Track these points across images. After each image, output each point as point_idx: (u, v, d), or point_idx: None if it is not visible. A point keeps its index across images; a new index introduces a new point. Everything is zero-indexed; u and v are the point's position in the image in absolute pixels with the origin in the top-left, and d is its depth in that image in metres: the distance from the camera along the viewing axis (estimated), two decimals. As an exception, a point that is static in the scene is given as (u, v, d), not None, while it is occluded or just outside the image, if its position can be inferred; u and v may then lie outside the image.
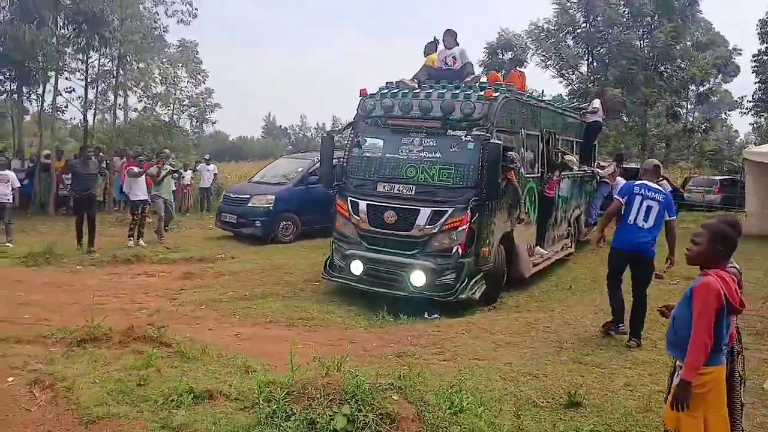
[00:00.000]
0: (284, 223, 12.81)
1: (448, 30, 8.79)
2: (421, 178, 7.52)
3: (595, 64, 20.30)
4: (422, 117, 7.63)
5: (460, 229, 7.14)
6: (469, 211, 7.12)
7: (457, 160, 7.39)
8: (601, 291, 7.03)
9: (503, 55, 20.47)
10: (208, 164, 19.05)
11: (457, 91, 7.66)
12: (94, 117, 21.78)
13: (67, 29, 18.01)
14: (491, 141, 7.08)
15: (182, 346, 5.23)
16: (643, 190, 5.85)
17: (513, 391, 4.58)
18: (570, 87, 20.00)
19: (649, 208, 5.78)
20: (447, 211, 7.19)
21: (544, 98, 10.11)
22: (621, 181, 13.66)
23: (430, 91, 7.82)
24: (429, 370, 4.78)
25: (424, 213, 7.26)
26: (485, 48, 21.03)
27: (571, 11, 19.98)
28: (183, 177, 17.69)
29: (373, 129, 8.13)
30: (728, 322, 2.87)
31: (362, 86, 8.42)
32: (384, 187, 7.70)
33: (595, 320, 6.54)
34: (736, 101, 27.19)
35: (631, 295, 5.92)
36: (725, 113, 40.68)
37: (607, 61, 19.94)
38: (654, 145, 20.84)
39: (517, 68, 10.94)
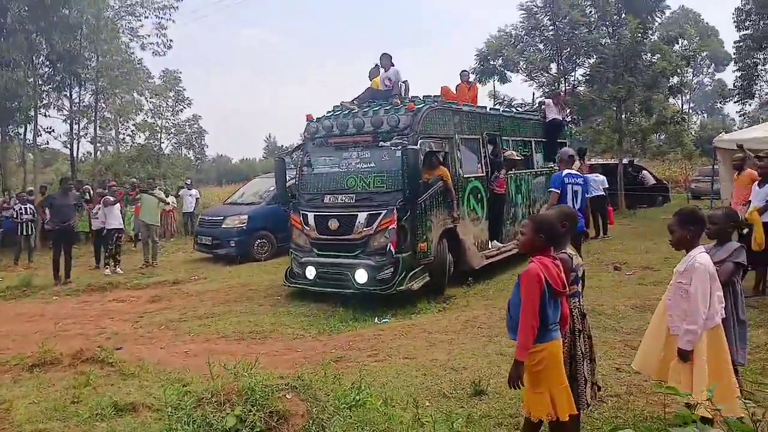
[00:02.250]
0: (259, 241, 13.13)
1: (384, 54, 9.70)
2: (360, 187, 8.35)
3: (564, 64, 20.65)
4: (357, 133, 8.49)
5: (390, 228, 7.86)
6: (396, 211, 7.86)
7: (386, 168, 8.22)
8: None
9: (495, 61, 20.98)
10: (190, 189, 19.41)
11: (387, 107, 8.52)
12: (78, 150, 22.25)
13: (44, 69, 18.57)
14: (408, 147, 7.79)
15: (122, 366, 5.52)
16: (570, 178, 6.78)
17: (428, 385, 4.83)
18: (541, 89, 20.37)
19: (575, 193, 6.73)
20: (380, 213, 7.96)
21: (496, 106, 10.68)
22: (590, 176, 14.02)
23: (366, 109, 8.75)
24: (361, 371, 5.03)
25: (362, 217, 8.06)
26: (476, 55, 21.48)
27: (537, 15, 20.40)
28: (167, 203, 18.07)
29: (318, 148, 8.98)
30: (557, 303, 3.11)
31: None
32: (329, 198, 8.55)
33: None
34: (730, 90, 27.46)
35: None
36: (720, 103, 41.04)
37: (575, 60, 20.31)
38: (631, 139, 21.10)
39: (467, 81, 11.42)
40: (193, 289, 10.12)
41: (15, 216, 14.53)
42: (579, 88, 20.59)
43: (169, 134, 27.76)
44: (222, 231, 13.15)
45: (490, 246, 9.75)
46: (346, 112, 8.95)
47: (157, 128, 25.97)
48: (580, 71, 20.95)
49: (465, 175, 9.15)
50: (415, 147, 7.85)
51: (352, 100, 9.30)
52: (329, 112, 9.29)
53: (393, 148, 8.04)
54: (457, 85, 11.12)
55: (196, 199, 19.45)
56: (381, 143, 8.23)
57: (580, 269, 3.53)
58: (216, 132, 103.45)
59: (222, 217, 13.39)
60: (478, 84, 14.31)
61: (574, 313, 3.37)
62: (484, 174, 9.70)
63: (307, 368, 5.36)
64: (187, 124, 29.65)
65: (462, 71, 11.49)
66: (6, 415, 4.55)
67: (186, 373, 5.37)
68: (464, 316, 7.15)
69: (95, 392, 4.84)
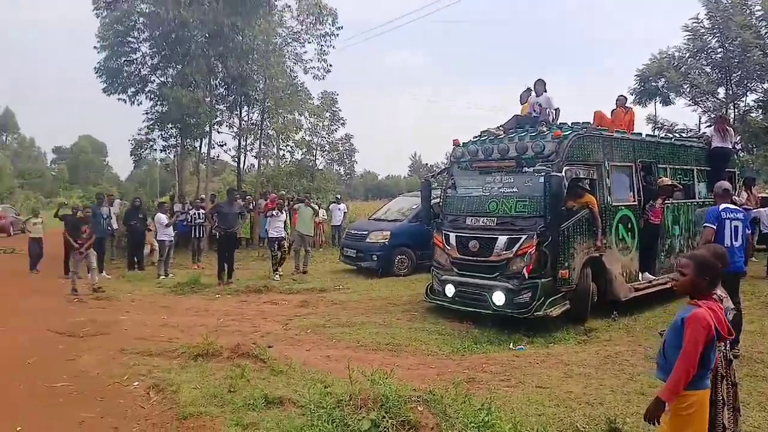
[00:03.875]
0: (400, 257, 13.53)
1: (538, 79, 9.83)
2: (501, 211, 8.45)
3: (733, 89, 18.89)
4: (501, 158, 8.64)
5: (528, 253, 7.87)
6: (535, 236, 7.85)
7: (529, 193, 8.27)
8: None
9: (657, 82, 19.86)
10: (338, 203, 20.53)
11: (533, 134, 8.64)
12: (244, 164, 24.48)
13: (219, 90, 20.79)
14: (552, 174, 7.72)
15: (273, 363, 6.05)
16: (728, 213, 6.24)
17: (561, 417, 4.73)
18: (707, 114, 18.81)
19: (735, 228, 6.20)
20: (521, 237, 8.02)
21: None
22: (763, 210, 12.69)
23: (512, 135, 8.88)
24: (491, 394, 5.07)
25: (501, 240, 8.17)
26: (636, 75, 20.40)
27: (704, 37, 18.91)
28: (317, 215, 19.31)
29: (463, 172, 9.31)
30: (715, 349, 2.97)
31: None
32: (471, 220, 8.75)
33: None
34: None
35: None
36: None
37: (747, 85, 18.51)
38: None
39: (623, 106, 10.94)
40: (337, 298, 10.71)
41: (189, 220, 16.37)
42: (751, 114, 18.71)
43: (323, 151, 29.51)
44: (366, 245, 13.74)
45: (640, 278, 9.23)
46: (492, 138, 9.10)
47: (314, 145, 27.78)
48: (752, 96, 19.04)
49: (614, 203, 8.81)
50: (558, 174, 7.78)
51: (498, 127, 9.39)
52: (475, 137, 9.50)
53: (536, 174, 8.00)
54: (613, 110, 10.69)
55: (344, 213, 20.52)
56: (525, 169, 8.24)
57: (730, 313, 3.32)
58: (364, 149, 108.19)
59: (366, 232, 13.99)
60: (635, 108, 13.54)
61: (718, 358, 3.17)
62: (636, 202, 9.24)
63: (438, 385, 5.49)
64: (340, 142, 31.34)
65: (619, 96, 11.01)
66: (174, 396, 5.22)
67: (327, 375, 5.74)
68: (605, 350, 6.84)
69: (249, 384, 5.35)
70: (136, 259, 14.84)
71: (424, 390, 4.46)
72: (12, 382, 5.78)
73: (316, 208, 15.50)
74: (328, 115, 28.10)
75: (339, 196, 21.77)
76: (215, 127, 21.93)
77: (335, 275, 13.91)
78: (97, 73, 20.37)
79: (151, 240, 14.90)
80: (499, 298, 8.11)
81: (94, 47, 20.13)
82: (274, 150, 27.46)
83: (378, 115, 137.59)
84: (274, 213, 13.59)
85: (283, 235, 13.57)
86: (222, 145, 23.55)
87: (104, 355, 6.72)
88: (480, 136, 9.47)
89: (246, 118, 23.46)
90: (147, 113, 21.90)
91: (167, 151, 23.38)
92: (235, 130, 23.22)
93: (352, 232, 14.85)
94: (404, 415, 3.83)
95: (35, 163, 76.44)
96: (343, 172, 36.08)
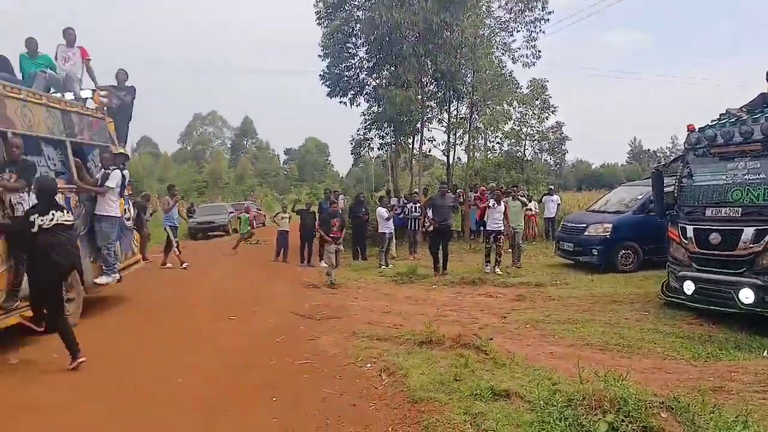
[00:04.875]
0: (623, 251, 12.59)
1: None
2: (747, 200, 7.64)
3: None
4: (744, 142, 7.69)
5: None
6: None
7: None
8: None
9: None
10: (551, 195, 19.82)
11: None
12: (453, 157, 24.90)
13: (429, 87, 21.43)
14: None
15: (496, 355, 6.04)
16: None
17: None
18: None
19: None
20: None
21: None
22: None
23: (757, 116, 7.78)
24: (746, 405, 4.48)
25: (748, 232, 7.45)
26: None
27: None
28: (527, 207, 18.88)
29: (699, 159, 8.49)
30: None
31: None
32: (711, 211, 8.02)
33: None
34: None
35: None
36: None
37: None
38: None
39: None
40: (555, 293, 10.34)
41: (406, 214, 17.16)
42: None
43: (532, 141, 28.71)
44: (585, 238, 13.03)
45: None
46: (733, 120, 8.09)
47: (522, 135, 27.15)
48: None
49: None
50: None
51: (741, 108, 8.25)
52: (713, 120, 8.56)
53: None
54: None
55: (557, 204, 19.76)
56: None
57: None
58: (576, 137, 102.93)
59: (585, 225, 13.27)
60: None
61: None
62: None
63: (681, 391, 4.99)
64: (551, 131, 30.17)
65: None
66: (404, 380, 5.49)
67: (553, 372, 5.55)
68: None
69: (473, 374, 5.41)
70: (359, 250, 15.99)
71: (666, 395, 4.07)
72: (266, 358, 6.60)
73: (525, 200, 15.14)
74: (537, 103, 27.18)
75: (552, 188, 21.00)
76: (426, 123, 22.66)
77: (551, 270, 13.46)
78: (321, 79, 22.43)
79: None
80: (747, 295, 7.33)
81: (318, 55, 22.22)
82: (482, 142, 27.49)
83: (591, 100, 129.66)
84: (491, 204, 13.53)
85: (501, 228, 13.34)
86: (432, 141, 24.29)
87: (339, 337, 7.34)
88: (719, 118, 8.49)
89: (455, 113, 23.85)
90: (364, 114, 23.52)
91: (383, 149, 24.83)
92: (445, 125, 23.74)
93: (569, 224, 14.19)
94: (645, 420, 3.54)
95: (270, 164, 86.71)
96: (552, 162, 34.63)
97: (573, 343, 7.10)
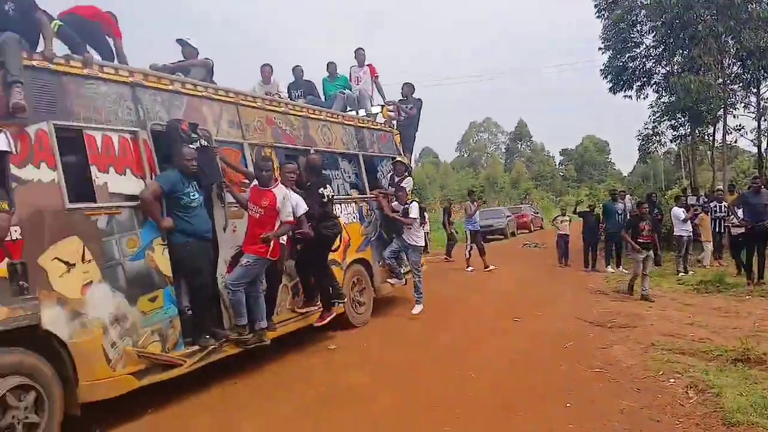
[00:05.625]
0: None
1: None
2: None
3: None
4: None
5: None
6: None
7: None
8: None
9: None
10: None
11: None
12: (765, 147, 21.27)
13: (732, 69, 18.68)
14: None
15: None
16: None
17: None
18: None
19: None
20: None
21: None
22: None
23: None
24: None
25: None
26: None
27: None
28: None
29: None
30: None
31: None
32: None
33: None
34: None
35: None
36: None
37: None
38: None
39: None
40: None
41: (709, 213, 15.13)
42: None
43: None
44: None
45: None
46: None
47: None
48: None
49: None
50: None
51: None
52: None
53: None
54: None
55: None
56: None
57: None
58: None
59: None
60: None
61: None
62: None
63: None
64: None
65: None
66: (716, 399, 4.91)
67: None
68: None
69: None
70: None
71: None
72: (555, 362, 6.53)
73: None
74: None
75: None
76: (729, 110, 19.82)
77: None
78: (602, 74, 21.31)
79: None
80: None
81: (599, 48, 21.16)
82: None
83: None
84: None
85: None
86: (739, 129, 21.11)
87: (635, 348, 6.88)
88: None
89: (766, 95, 20.36)
90: (652, 106, 21.59)
91: (677, 142, 22.46)
92: (753, 110, 20.41)
93: None
94: None
95: (545, 166, 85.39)
96: None
97: None
